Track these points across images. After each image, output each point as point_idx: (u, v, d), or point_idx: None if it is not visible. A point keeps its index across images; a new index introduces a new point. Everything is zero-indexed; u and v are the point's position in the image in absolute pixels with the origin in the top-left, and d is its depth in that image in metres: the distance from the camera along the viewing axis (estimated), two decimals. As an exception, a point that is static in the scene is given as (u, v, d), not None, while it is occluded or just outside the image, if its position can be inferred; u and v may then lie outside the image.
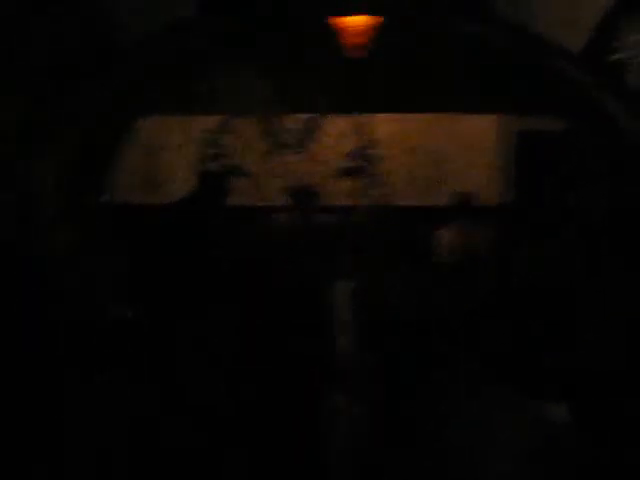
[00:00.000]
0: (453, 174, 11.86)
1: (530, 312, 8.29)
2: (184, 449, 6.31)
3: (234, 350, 7.73)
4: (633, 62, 6.80)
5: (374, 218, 10.19)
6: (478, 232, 9.94)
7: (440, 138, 11.92)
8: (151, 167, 12.22)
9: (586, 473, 4.37)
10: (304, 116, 12.07)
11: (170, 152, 12.28)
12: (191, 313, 8.58)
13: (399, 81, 11.26)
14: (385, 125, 11.72)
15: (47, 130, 7.48)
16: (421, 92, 11.44)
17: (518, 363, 5.06)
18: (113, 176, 10.89)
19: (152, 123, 11.57)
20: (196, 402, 6.58)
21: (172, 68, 8.39)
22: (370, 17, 8.30)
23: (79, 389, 6.53)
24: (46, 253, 8.17)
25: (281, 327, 9.09)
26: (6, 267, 7.35)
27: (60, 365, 6.66)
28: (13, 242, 7.68)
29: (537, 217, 10.89)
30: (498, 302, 8.93)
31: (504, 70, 9.67)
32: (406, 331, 9.18)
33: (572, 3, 6.86)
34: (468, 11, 6.99)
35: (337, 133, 12.04)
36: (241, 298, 9.46)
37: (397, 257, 10.55)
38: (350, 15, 8.34)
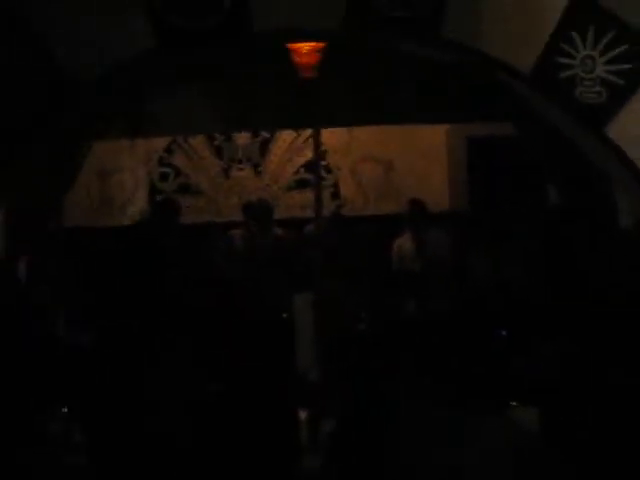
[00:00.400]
0: (405, 183, 11.93)
1: (491, 317, 8.37)
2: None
3: (196, 371, 7.69)
4: (585, 77, 6.91)
5: (330, 229, 10.21)
6: (435, 239, 9.97)
7: (390, 149, 11.99)
8: (104, 190, 12.17)
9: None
10: (255, 133, 12.10)
11: (122, 174, 12.23)
12: (151, 337, 8.55)
13: (349, 95, 11.33)
14: (336, 137, 11.79)
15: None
16: (371, 105, 11.51)
17: (482, 370, 5.07)
18: (67, 201, 10.86)
19: (102, 147, 11.51)
20: (155, 427, 6.51)
21: (122, 94, 8.43)
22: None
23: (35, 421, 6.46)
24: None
25: (243, 344, 9.09)
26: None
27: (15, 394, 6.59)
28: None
29: (492, 222, 10.98)
30: (459, 308, 9.00)
31: (452, 82, 9.77)
32: (368, 342, 9.22)
33: (524, 22, 6.97)
34: (418, 34, 7.08)
35: (289, 147, 12.10)
36: (201, 317, 9.46)
37: (355, 268, 10.61)
38: (302, 41, 8.50)
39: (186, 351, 8.28)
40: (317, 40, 8.63)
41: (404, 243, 10.09)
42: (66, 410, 6.95)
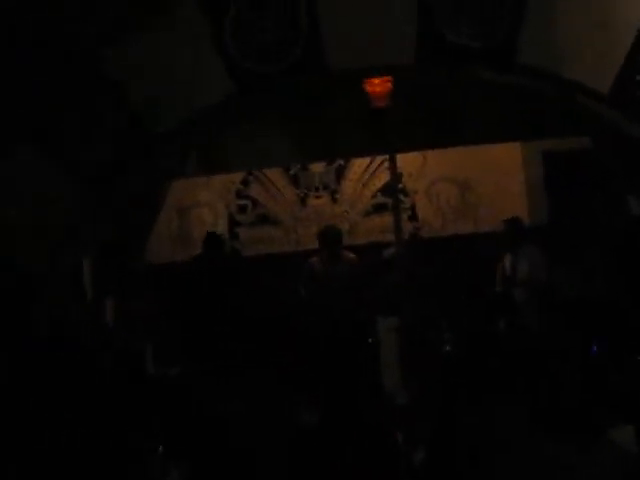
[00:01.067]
0: (482, 202, 11.90)
1: (582, 332, 8.31)
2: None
3: (288, 400, 7.74)
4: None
5: (410, 252, 10.23)
6: (531, 257, 9.88)
7: (466, 169, 11.98)
8: (184, 226, 12.32)
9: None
10: (330, 161, 12.19)
11: (201, 209, 12.38)
12: (239, 369, 8.63)
13: (422, 120, 11.37)
14: (411, 161, 11.82)
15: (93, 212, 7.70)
16: (444, 129, 11.54)
17: (577, 393, 5.03)
18: (150, 239, 11.03)
19: (180, 184, 11.69)
20: (248, 459, 6.54)
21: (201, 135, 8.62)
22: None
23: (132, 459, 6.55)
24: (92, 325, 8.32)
25: (332, 371, 9.15)
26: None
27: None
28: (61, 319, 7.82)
29: (573, 234, 10.90)
30: (549, 325, 8.95)
31: (530, 104, 9.76)
32: (453, 363, 9.21)
33: (600, 42, 6.96)
34: (493, 63, 7.09)
35: (364, 172, 12.15)
36: (288, 346, 9.55)
37: (436, 289, 10.61)
38: (378, 76, 8.63)
39: (276, 382, 8.35)
40: (389, 74, 8.75)
41: (506, 263, 9.99)
42: (162, 448, 7.04)
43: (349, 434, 6.29)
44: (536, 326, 9.22)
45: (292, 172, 12.29)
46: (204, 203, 12.36)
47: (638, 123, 7.06)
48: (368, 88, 9.00)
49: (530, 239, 9.92)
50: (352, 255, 10.65)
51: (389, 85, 8.93)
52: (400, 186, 11.48)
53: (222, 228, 12.31)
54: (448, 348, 9.61)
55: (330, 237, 10.52)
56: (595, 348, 8.21)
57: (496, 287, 10.00)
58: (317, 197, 12.31)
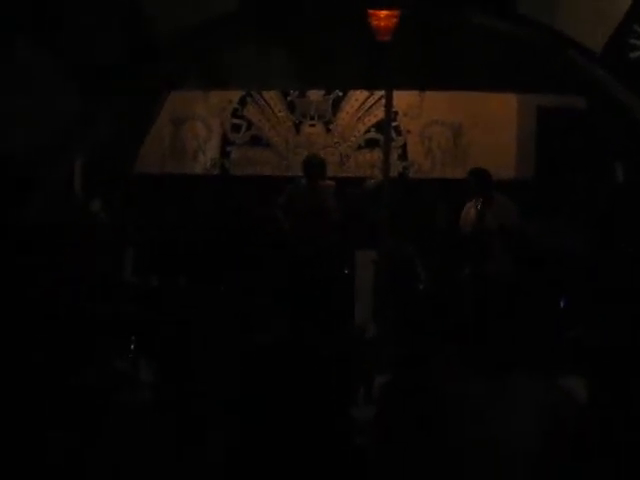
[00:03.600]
0: (473, 149, 12.01)
1: (546, 287, 8.49)
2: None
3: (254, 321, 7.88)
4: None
5: (396, 189, 10.36)
6: (501, 206, 10.03)
7: (461, 114, 12.07)
8: (177, 138, 12.38)
9: (599, 451, 4.51)
10: (329, 90, 12.24)
11: (195, 122, 12.43)
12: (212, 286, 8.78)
13: (423, 60, 11.44)
14: (408, 100, 11.90)
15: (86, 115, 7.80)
16: (443, 71, 11.62)
17: (534, 338, 5.19)
18: (143, 148, 11.13)
19: (177, 96, 11.76)
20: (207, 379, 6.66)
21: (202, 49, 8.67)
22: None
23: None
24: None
25: (304, 298, 9.31)
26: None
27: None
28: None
29: (556, 191, 11.06)
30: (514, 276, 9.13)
31: (526, 54, 9.84)
32: (425, 302, 9.39)
33: (598, 2, 7.04)
34: (493, 8, 7.18)
35: (361, 107, 12.22)
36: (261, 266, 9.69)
37: (418, 229, 10.77)
38: (378, 8, 8.67)
39: (246, 300, 8.50)
40: (395, 8, 8.80)
41: (471, 208, 10.17)
42: (133, 347, 7.22)
43: (307, 358, 6.45)
44: (508, 275, 9.41)
45: (290, 98, 12.35)
46: (199, 117, 12.42)
47: (627, 87, 7.17)
48: (373, 21, 9.01)
49: (498, 190, 10.12)
50: (330, 182, 10.82)
51: (395, 20, 8.94)
52: (394, 124, 11.56)
53: (214, 144, 12.40)
54: (421, 287, 9.81)
55: (315, 166, 10.66)
56: (563, 302, 8.43)
57: (460, 230, 10.23)
58: (311, 125, 12.38)
